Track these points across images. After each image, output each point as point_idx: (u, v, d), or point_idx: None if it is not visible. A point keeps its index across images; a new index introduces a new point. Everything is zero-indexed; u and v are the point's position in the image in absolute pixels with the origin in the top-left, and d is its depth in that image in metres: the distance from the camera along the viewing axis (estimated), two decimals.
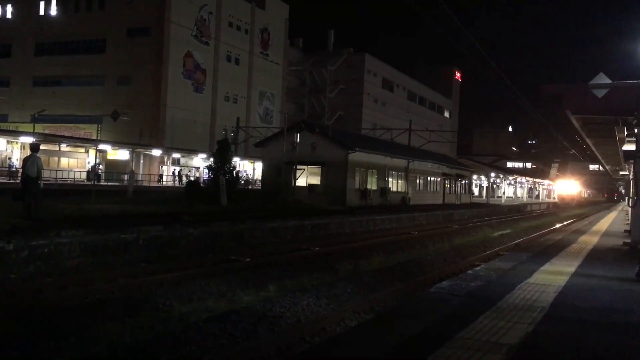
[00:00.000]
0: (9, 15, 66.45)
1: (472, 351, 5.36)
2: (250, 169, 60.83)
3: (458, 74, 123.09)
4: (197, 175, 54.26)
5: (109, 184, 42.97)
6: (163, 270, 12.10)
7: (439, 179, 48.86)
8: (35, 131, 44.00)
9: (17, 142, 43.51)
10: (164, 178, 53.88)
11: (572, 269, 11.29)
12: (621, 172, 40.41)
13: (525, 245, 18.62)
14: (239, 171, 39.11)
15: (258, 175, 53.12)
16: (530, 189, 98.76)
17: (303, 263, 14.24)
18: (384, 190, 37.46)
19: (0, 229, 11.86)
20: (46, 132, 51.00)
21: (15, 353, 6.74)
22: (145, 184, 47.85)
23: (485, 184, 75.86)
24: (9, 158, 43.67)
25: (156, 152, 51.18)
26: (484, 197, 70.55)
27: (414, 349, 5.54)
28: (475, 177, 70.29)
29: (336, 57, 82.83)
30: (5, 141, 44.04)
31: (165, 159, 55.37)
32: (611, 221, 33.63)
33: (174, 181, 52.87)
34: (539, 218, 43.46)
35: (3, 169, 41.90)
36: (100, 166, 47.58)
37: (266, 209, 24.24)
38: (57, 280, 10.58)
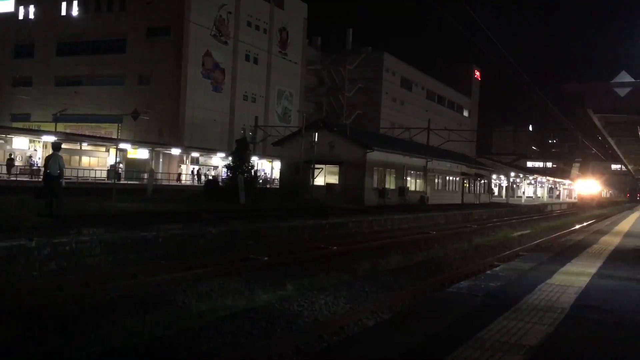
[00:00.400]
0: (31, 16, 67.43)
1: (491, 352, 5.32)
2: (268, 168, 61.04)
3: (477, 73, 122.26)
4: (214, 174, 54.60)
5: (129, 182, 43.41)
6: (182, 268, 12.20)
7: (457, 179, 48.52)
8: (57, 130, 44.67)
9: (39, 141, 44.15)
10: (183, 177, 54.24)
11: (593, 270, 11.14)
12: None
13: (546, 246, 18.42)
14: (257, 170, 39.26)
15: (276, 174, 53.30)
16: (551, 188, 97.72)
17: (321, 262, 14.25)
18: (402, 189, 37.31)
19: (22, 227, 12.04)
20: (67, 131, 51.79)
21: (37, 348, 6.84)
22: (165, 182, 48.28)
23: (504, 183, 75.20)
24: (30, 156, 44.29)
25: (175, 151, 51.60)
26: (504, 196, 69.95)
27: (432, 349, 5.52)
28: (494, 176, 69.70)
29: (355, 56, 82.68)
30: (28, 140, 44.73)
31: (185, 158, 55.78)
32: (634, 222, 33.13)
33: (193, 180, 53.24)
34: (559, 218, 42.98)
35: (25, 167, 42.55)
36: (121, 165, 48.09)
37: (284, 207, 24.29)
38: (78, 278, 10.71)
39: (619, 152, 28.77)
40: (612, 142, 23.67)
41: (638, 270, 11.32)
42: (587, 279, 9.88)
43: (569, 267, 11.46)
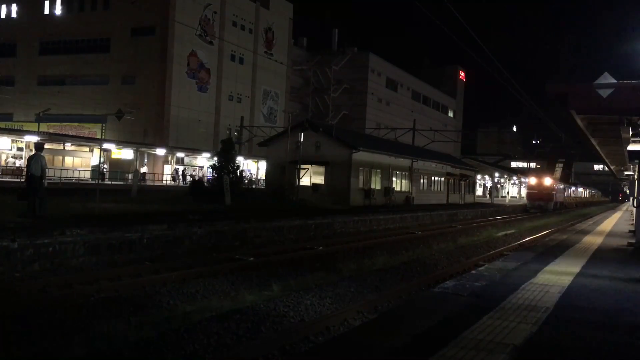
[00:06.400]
0: (13, 15, 66.63)
1: (476, 351, 5.36)
2: (254, 168, 60.91)
3: (462, 74, 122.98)
4: (196, 174, 54.39)
5: (113, 183, 43.08)
6: (167, 269, 12.12)
7: (442, 179, 48.77)
8: (40, 130, 44.13)
9: (21, 141, 43.61)
10: (164, 177, 53.89)
11: (576, 269, 11.26)
12: (626, 172, 40.29)
13: (530, 245, 18.58)
14: (243, 170, 39.17)
15: (262, 174, 53.19)
16: None
17: (307, 262, 14.25)
18: (387, 189, 37.41)
19: (5, 228, 11.90)
20: (51, 131, 51.24)
21: (21, 351, 6.76)
22: (150, 183, 47.97)
23: (489, 183, 75.75)
24: None
25: (160, 152, 51.30)
26: (488, 197, 70.46)
27: (417, 348, 5.54)
28: (479, 176, 70.14)
29: (340, 56, 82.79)
30: (10, 140, 44.16)
31: (170, 158, 55.49)
32: (615, 222, 33.55)
33: (178, 180, 53.00)
34: (542, 218, 43.35)
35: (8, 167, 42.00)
36: (105, 165, 47.68)
37: (270, 208, 24.25)
38: (62, 279, 10.61)
39: (601, 153, 29.07)
40: (594, 143, 23.90)
41: (620, 270, 11.46)
42: (570, 278, 9.98)
43: (553, 266, 11.57)
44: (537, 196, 53.72)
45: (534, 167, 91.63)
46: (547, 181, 55.05)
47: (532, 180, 56.49)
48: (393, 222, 27.52)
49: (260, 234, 18.23)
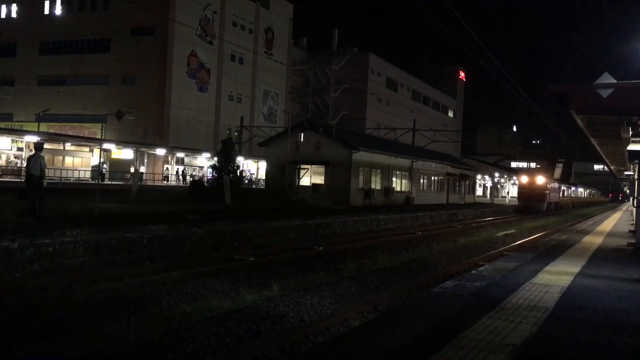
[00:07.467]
0: (13, 15, 66.67)
1: (476, 351, 5.35)
2: (254, 168, 60.93)
3: (462, 74, 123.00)
4: (195, 173, 54.41)
5: (113, 183, 43.08)
6: (167, 269, 12.13)
7: (442, 179, 48.76)
8: (40, 130, 44.13)
9: (21, 141, 43.61)
10: (162, 177, 53.93)
11: (576, 269, 11.26)
12: (626, 172, 40.27)
13: (530, 245, 18.57)
14: (243, 170, 39.18)
15: (262, 174, 53.20)
16: None
17: (307, 262, 14.25)
18: (387, 189, 37.41)
19: (5, 228, 11.89)
20: (51, 131, 51.25)
21: (21, 351, 6.76)
22: (150, 183, 47.98)
23: (489, 183, 75.70)
24: None
25: (160, 151, 51.31)
26: (488, 197, 70.41)
27: (417, 348, 5.54)
28: (479, 176, 70.11)
29: (340, 56, 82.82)
30: (10, 140, 44.16)
31: (170, 158, 55.49)
32: (615, 222, 33.55)
33: (178, 180, 53.02)
34: (542, 218, 43.35)
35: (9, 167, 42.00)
36: (105, 165, 47.70)
37: (270, 208, 24.24)
38: (62, 279, 10.61)
39: (601, 153, 29.05)
40: (594, 143, 23.88)
41: (620, 270, 11.46)
42: (570, 278, 9.98)
43: (553, 266, 11.56)
44: (529, 196, 49.77)
45: (534, 167, 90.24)
46: (540, 180, 50.78)
47: (524, 179, 52.06)
48: (393, 222, 27.51)
49: (260, 234, 18.23)
